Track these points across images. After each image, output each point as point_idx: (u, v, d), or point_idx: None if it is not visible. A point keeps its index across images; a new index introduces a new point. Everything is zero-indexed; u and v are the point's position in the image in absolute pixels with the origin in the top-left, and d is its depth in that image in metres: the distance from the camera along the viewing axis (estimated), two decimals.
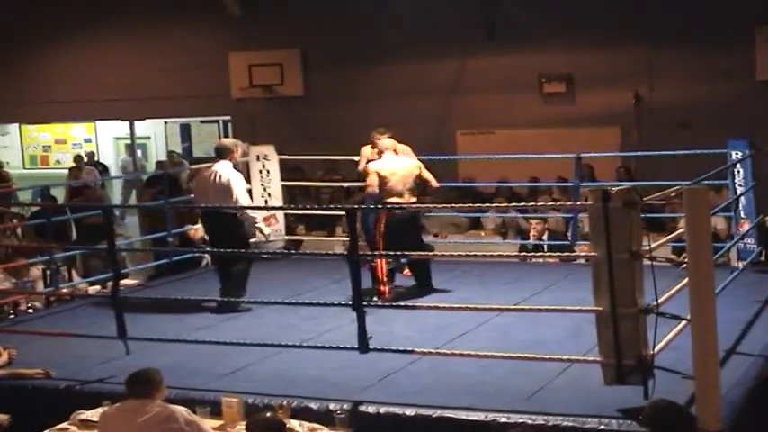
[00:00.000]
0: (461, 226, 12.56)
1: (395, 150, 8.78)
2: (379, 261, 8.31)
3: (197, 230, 10.89)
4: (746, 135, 9.39)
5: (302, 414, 5.70)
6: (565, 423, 5.36)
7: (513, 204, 11.60)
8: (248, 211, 8.79)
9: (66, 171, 19.36)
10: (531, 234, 10.69)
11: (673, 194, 6.49)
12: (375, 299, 8.21)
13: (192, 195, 9.29)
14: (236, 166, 8.77)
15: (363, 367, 6.36)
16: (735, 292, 7.44)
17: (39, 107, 18.11)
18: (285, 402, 5.70)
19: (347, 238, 6.68)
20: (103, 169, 20.23)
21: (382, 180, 8.50)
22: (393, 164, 8.62)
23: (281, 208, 10.73)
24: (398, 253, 9.95)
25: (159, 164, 19.03)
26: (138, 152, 21.06)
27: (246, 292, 8.41)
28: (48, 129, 23.25)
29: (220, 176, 8.51)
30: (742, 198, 8.83)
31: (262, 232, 9.13)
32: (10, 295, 8.89)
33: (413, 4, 14.78)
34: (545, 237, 10.61)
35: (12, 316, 8.73)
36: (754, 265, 8.84)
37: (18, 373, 6.65)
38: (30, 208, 13.31)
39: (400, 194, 8.49)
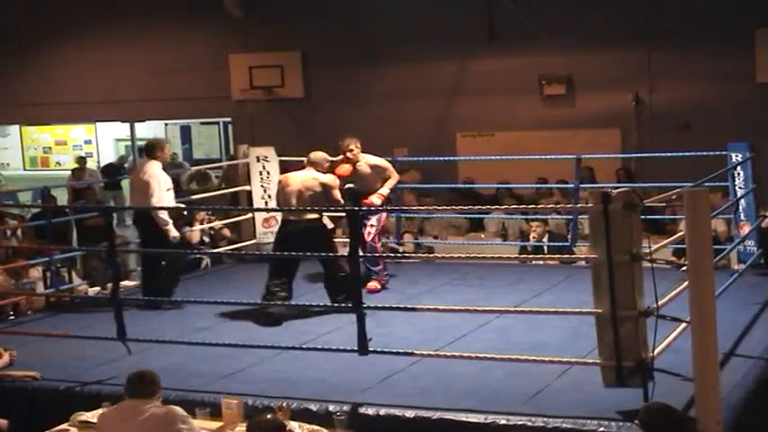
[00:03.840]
0: (461, 228, 12.57)
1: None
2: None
3: (194, 232, 10.91)
4: (747, 137, 9.39)
5: (302, 416, 5.69)
6: (564, 425, 5.36)
7: (514, 207, 11.60)
8: (160, 214, 8.45)
9: (66, 172, 19.38)
10: (532, 236, 10.69)
11: (674, 197, 6.50)
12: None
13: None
14: (164, 166, 8.75)
15: (363, 369, 6.36)
16: (735, 295, 7.45)
17: (39, 108, 18.11)
18: (285, 404, 5.70)
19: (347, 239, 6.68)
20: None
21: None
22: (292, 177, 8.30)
23: (277, 210, 10.69)
24: (400, 254, 10.01)
25: None
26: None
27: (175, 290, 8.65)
28: (48, 130, 23.28)
29: (142, 175, 8.57)
30: (742, 200, 8.84)
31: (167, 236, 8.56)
32: (10, 296, 8.88)
33: (413, 6, 14.79)
34: (545, 239, 10.61)
35: (12, 317, 8.72)
36: (755, 268, 8.84)
37: (6, 375, 6.64)
38: (30, 209, 13.31)
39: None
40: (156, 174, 8.55)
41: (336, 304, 7.97)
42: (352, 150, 8.86)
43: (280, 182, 8.42)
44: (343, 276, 7.92)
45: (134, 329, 7.08)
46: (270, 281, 8.03)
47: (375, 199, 8.80)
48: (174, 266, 8.85)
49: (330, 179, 8.27)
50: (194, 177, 16.10)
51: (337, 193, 8.19)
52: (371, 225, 8.87)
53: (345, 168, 8.88)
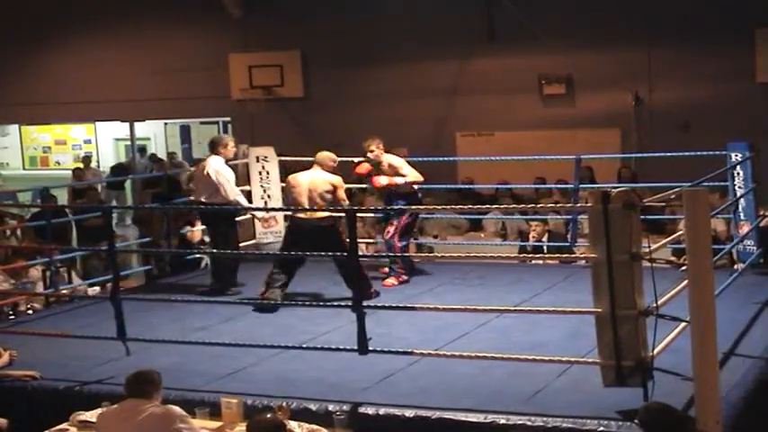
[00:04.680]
0: (461, 227, 12.56)
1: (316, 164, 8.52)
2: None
3: (195, 232, 10.90)
4: (747, 137, 9.39)
5: (301, 415, 5.70)
6: (564, 425, 5.35)
7: (513, 206, 11.60)
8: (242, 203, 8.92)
9: (65, 172, 19.39)
10: (531, 235, 10.69)
11: (673, 197, 6.50)
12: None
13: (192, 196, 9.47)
14: (227, 161, 8.94)
15: (363, 368, 6.36)
16: (734, 294, 7.44)
17: (39, 108, 18.14)
18: (284, 403, 5.70)
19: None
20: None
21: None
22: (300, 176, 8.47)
23: (279, 209, 10.72)
24: (412, 255, 10.00)
25: (153, 156, 19.03)
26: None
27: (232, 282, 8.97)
28: (48, 129, 23.29)
29: (207, 172, 8.78)
30: (741, 200, 8.84)
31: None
32: (10, 296, 8.88)
33: (413, 6, 14.80)
34: (545, 238, 10.60)
35: (11, 317, 8.72)
36: (754, 267, 8.84)
37: (5, 374, 6.64)
38: (30, 209, 13.30)
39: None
40: (220, 169, 8.77)
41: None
42: (372, 151, 9.06)
43: (287, 183, 8.58)
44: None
45: (134, 329, 7.08)
46: (273, 270, 8.30)
47: (383, 179, 8.99)
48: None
49: (336, 179, 8.40)
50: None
51: (342, 193, 8.39)
52: (391, 224, 9.07)
53: (364, 167, 9.16)
